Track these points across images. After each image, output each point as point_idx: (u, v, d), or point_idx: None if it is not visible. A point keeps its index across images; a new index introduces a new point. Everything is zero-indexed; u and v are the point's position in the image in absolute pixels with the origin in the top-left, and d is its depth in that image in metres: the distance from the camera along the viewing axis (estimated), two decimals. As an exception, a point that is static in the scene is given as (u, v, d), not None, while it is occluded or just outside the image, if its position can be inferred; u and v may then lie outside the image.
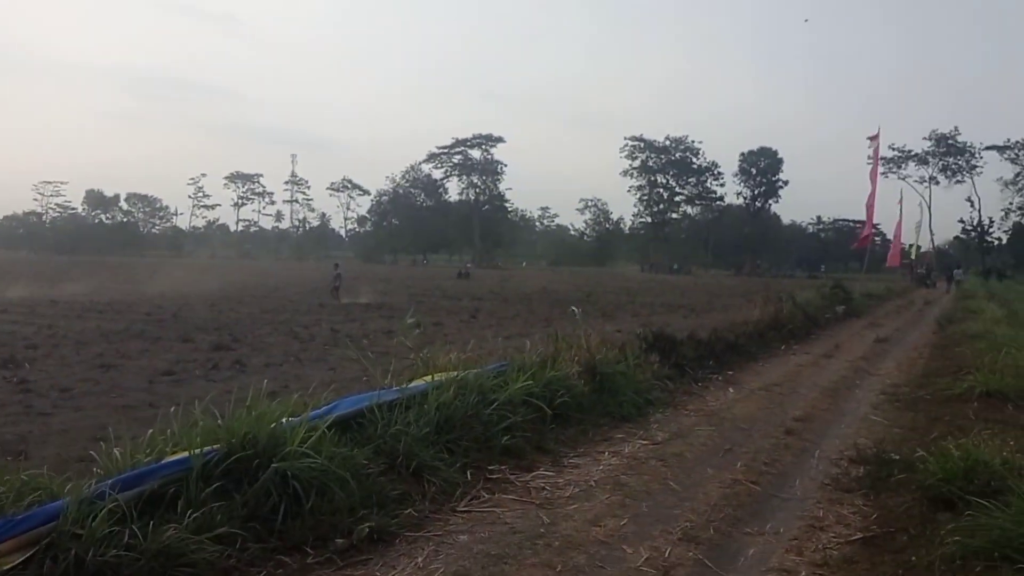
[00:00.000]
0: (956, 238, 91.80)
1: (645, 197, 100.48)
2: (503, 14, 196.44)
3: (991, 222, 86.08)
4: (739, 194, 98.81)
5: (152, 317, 17.99)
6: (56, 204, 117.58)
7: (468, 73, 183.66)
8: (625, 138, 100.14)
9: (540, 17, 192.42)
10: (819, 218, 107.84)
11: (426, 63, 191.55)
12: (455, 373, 5.78)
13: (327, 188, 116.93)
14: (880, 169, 32.43)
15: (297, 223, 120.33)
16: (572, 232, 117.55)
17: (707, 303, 27.84)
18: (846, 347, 13.10)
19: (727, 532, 4.19)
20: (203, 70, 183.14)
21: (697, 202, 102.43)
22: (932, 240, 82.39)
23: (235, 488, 3.69)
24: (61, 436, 6.29)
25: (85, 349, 12.16)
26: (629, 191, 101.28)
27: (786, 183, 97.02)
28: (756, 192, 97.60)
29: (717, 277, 73.43)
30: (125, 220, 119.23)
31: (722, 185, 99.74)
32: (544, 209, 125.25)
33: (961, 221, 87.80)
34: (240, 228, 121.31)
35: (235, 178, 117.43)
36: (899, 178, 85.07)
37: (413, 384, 5.57)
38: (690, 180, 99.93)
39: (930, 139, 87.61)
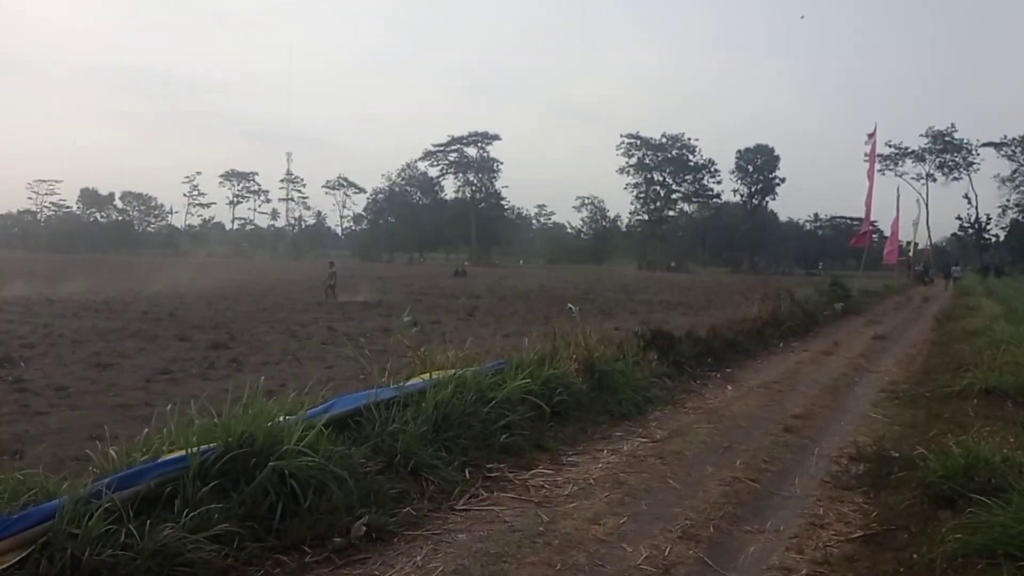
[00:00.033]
0: (953, 235, 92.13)
1: (642, 195, 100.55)
2: (500, 11, 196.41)
3: (988, 219, 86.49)
4: (736, 191, 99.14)
5: (148, 316, 17.94)
6: (51, 203, 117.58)
7: (464, 70, 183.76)
8: (621, 136, 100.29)
9: (537, 14, 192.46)
10: (816, 215, 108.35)
11: (422, 61, 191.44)
12: (453, 371, 5.75)
13: (323, 186, 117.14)
14: (877, 166, 32.45)
15: (293, 221, 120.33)
16: (569, 230, 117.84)
17: (705, 301, 27.86)
18: (845, 344, 13.10)
19: (727, 530, 4.17)
20: (197, 68, 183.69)
21: (694, 200, 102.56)
22: (929, 237, 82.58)
23: (232, 487, 3.67)
24: (57, 435, 6.27)
25: (81, 348, 12.12)
26: (626, 189, 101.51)
27: (783, 180, 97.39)
28: (753, 189, 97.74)
29: (714, 275, 73.55)
30: (120, 219, 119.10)
31: (719, 182, 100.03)
32: (541, 207, 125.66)
33: (959, 218, 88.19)
34: (236, 226, 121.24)
35: (230, 176, 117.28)
36: (896, 175, 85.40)
37: (411, 382, 5.54)
38: (687, 178, 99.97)
39: (927, 136, 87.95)
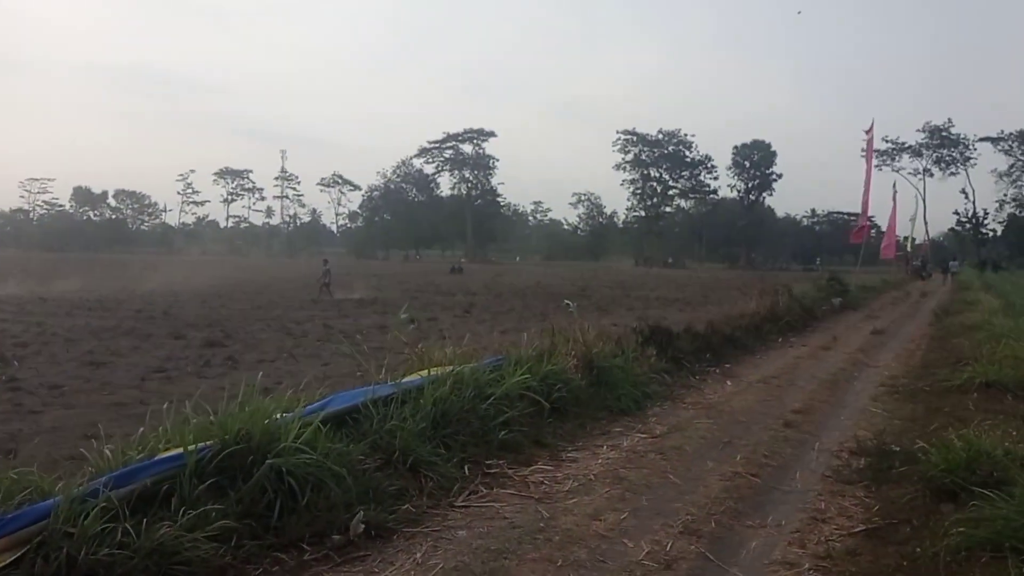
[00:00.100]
0: (951, 230, 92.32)
1: (638, 191, 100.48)
2: (497, 10, 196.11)
3: (986, 214, 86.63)
4: (733, 187, 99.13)
5: (143, 314, 17.86)
6: (43, 201, 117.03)
7: (461, 69, 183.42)
8: (617, 132, 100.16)
9: (535, 13, 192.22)
10: (813, 211, 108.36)
11: (417, 58, 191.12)
12: (451, 368, 5.72)
13: (317, 184, 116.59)
14: (874, 162, 32.50)
15: (288, 219, 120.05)
16: (565, 226, 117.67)
17: (703, 296, 27.88)
18: (843, 339, 13.09)
19: (728, 525, 4.14)
20: (191, 65, 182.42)
21: (691, 196, 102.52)
22: (927, 232, 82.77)
23: (230, 485, 3.63)
24: (51, 434, 6.21)
25: (75, 346, 12.05)
26: (622, 185, 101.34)
27: (780, 176, 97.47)
28: (750, 185, 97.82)
29: (712, 271, 73.59)
30: (113, 217, 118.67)
31: (715, 178, 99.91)
32: (537, 203, 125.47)
33: (956, 213, 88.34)
34: (230, 224, 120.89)
35: (224, 174, 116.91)
36: (893, 170, 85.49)
37: (408, 379, 5.51)
38: (683, 174, 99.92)
39: (924, 131, 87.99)
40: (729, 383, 8.51)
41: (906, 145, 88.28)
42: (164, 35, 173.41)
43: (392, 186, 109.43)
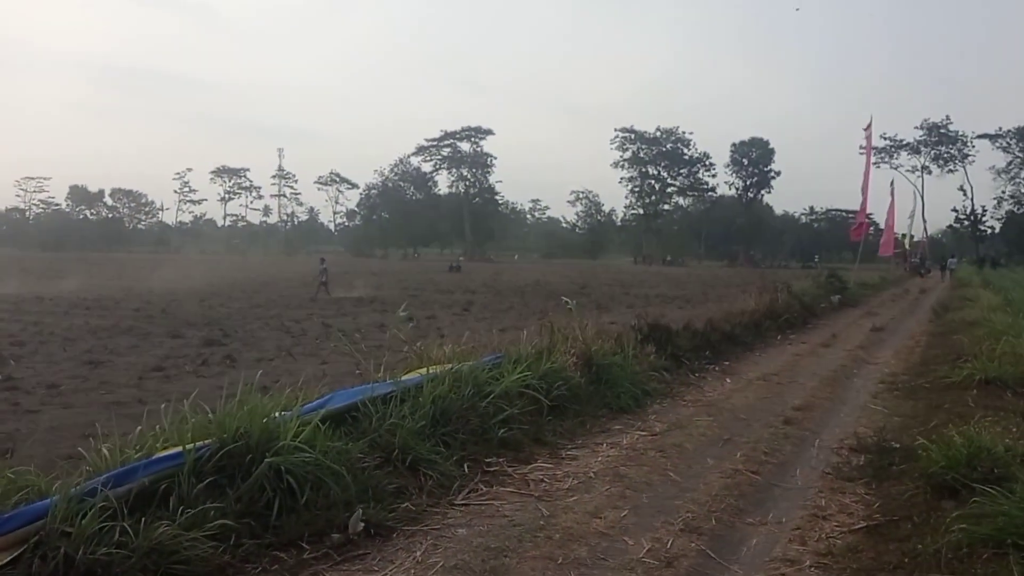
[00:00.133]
0: (949, 227, 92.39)
1: (637, 189, 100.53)
2: (493, 6, 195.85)
3: (984, 211, 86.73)
4: (731, 185, 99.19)
5: (140, 313, 17.84)
6: (40, 200, 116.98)
7: (457, 65, 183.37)
8: (615, 129, 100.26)
9: (529, 7, 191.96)
10: (812, 208, 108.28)
11: (414, 55, 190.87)
12: (450, 366, 5.70)
13: (315, 182, 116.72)
14: (872, 159, 32.51)
15: (285, 217, 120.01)
16: (564, 224, 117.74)
17: (701, 294, 27.90)
18: (843, 336, 13.08)
19: (729, 522, 4.13)
20: (187, 63, 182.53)
21: (689, 193, 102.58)
22: (925, 229, 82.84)
23: (228, 484, 3.61)
24: (49, 434, 6.18)
25: (73, 346, 12.03)
26: (620, 183, 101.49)
27: (778, 174, 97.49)
28: (748, 183, 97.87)
29: (710, 268, 73.65)
30: (110, 216, 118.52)
31: (714, 176, 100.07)
32: (535, 201, 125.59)
33: (954, 210, 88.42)
34: (228, 223, 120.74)
35: (221, 172, 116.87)
36: (891, 167, 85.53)
37: (407, 377, 5.49)
38: (681, 171, 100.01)
39: (922, 128, 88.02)
40: (729, 380, 8.50)
41: (904, 142, 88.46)
42: (162, 33, 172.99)
43: (390, 184, 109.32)
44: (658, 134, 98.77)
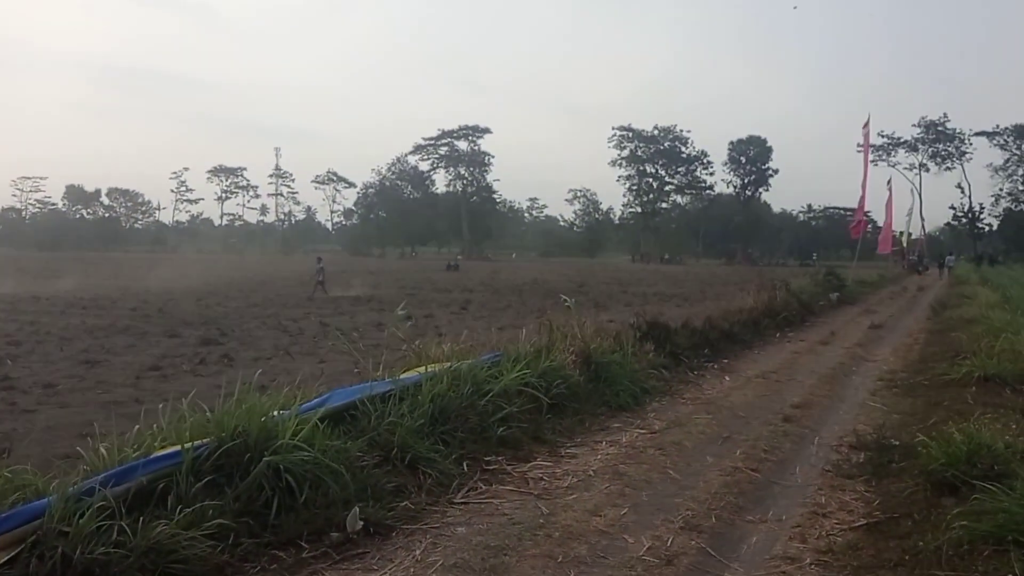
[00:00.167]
0: (947, 224, 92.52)
1: (634, 187, 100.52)
2: (491, 4, 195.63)
3: (981, 208, 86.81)
4: (729, 183, 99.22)
5: (137, 312, 17.80)
6: (36, 200, 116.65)
7: (457, 65, 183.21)
8: (613, 128, 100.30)
9: (529, 7, 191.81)
10: (810, 206, 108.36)
11: (414, 55, 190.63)
12: (449, 364, 5.69)
13: (312, 181, 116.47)
14: (870, 157, 32.55)
15: (282, 217, 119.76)
16: (562, 223, 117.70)
17: (700, 292, 27.91)
18: (841, 334, 13.08)
19: (729, 520, 4.12)
20: (187, 63, 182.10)
21: (687, 191, 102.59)
22: (923, 227, 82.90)
23: (226, 482, 3.60)
24: (46, 433, 6.16)
25: (69, 345, 12.00)
26: (618, 181, 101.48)
27: (776, 172, 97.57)
28: (746, 181, 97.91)
29: (708, 266, 73.69)
30: (107, 215, 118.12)
31: (712, 174, 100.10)
32: (533, 200, 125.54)
33: (952, 208, 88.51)
34: (225, 222, 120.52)
35: (218, 172, 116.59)
36: (889, 165, 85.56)
37: (406, 375, 5.48)
38: (679, 169, 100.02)
39: (919, 126, 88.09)
40: (727, 378, 8.49)
41: (902, 140, 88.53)
42: (162, 33, 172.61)
43: (387, 183, 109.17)
44: (656, 132, 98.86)
